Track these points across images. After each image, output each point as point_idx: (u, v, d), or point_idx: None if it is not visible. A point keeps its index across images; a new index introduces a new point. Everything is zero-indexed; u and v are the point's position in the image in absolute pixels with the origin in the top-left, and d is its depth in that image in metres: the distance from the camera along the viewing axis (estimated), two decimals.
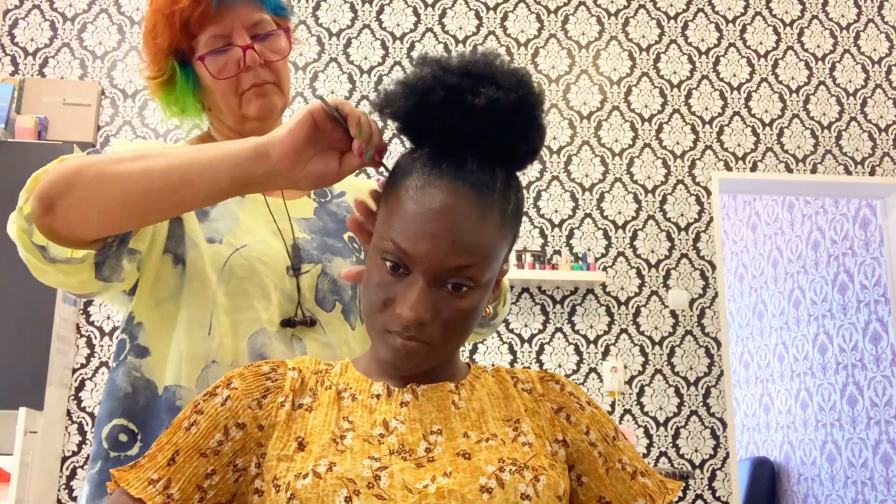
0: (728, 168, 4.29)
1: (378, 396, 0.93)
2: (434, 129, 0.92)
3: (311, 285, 1.21)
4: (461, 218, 0.87)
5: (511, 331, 3.98)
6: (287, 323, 1.18)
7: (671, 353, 4.04)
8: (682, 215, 4.20)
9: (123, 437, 1.14)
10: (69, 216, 1.00)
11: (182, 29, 1.19)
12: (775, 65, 4.44)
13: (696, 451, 3.94)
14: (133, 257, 1.13)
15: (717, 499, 3.90)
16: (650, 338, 4.05)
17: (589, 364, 3.99)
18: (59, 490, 3.50)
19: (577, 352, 4.00)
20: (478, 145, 0.91)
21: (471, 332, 0.93)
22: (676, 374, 4.02)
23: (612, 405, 3.94)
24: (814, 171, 4.33)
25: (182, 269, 1.17)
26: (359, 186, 1.37)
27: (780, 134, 4.35)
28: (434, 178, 0.89)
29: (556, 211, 4.14)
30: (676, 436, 3.94)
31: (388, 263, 0.89)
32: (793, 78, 4.43)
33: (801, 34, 4.49)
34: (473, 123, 0.90)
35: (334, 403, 0.93)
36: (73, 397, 3.61)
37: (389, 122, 0.95)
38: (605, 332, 4.03)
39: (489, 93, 0.89)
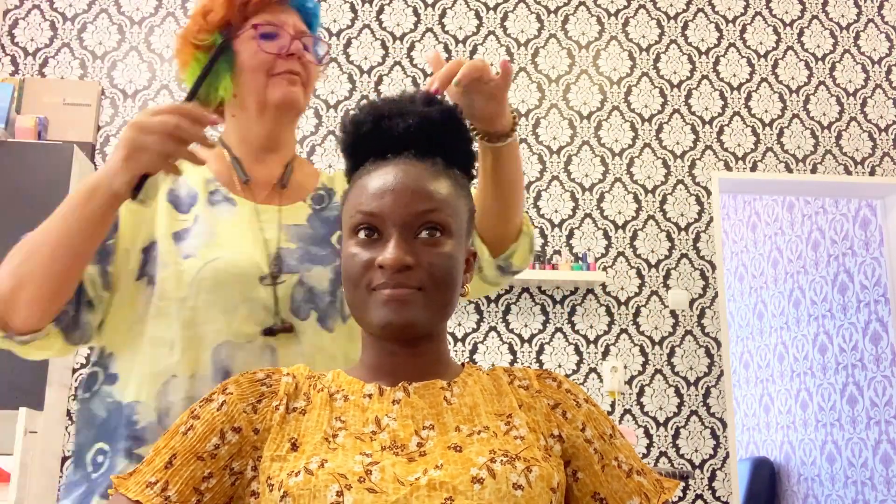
0: (728, 168, 4.29)
1: (370, 396, 0.95)
2: (372, 152, 1.01)
3: (286, 295, 1.20)
4: (416, 175, 0.96)
5: (511, 331, 3.98)
6: (268, 332, 1.17)
7: (671, 353, 4.04)
8: (682, 215, 4.20)
9: (101, 459, 1.17)
10: (20, 318, 1.12)
11: (240, 7, 1.27)
12: (775, 65, 4.44)
13: (696, 451, 3.94)
14: (92, 309, 1.18)
15: (718, 499, 3.90)
16: (650, 338, 4.05)
17: (589, 364, 3.99)
18: (58, 490, 3.51)
19: (577, 352, 4.00)
20: (415, 147, 1.01)
21: (457, 285, 0.97)
22: (676, 374, 4.02)
23: (612, 405, 3.94)
24: (814, 171, 4.33)
25: (152, 289, 1.19)
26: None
27: (780, 134, 4.35)
28: (382, 161, 0.99)
29: (556, 211, 4.14)
30: (676, 436, 3.94)
31: (361, 234, 0.94)
32: (793, 78, 4.43)
33: (801, 34, 4.49)
34: (412, 136, 1.00)
35: (326, 405, 0.94)
36: (73, 397, 3.61)
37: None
38: (605, 332, 4.03)
39: (416, 110, 1.00)
